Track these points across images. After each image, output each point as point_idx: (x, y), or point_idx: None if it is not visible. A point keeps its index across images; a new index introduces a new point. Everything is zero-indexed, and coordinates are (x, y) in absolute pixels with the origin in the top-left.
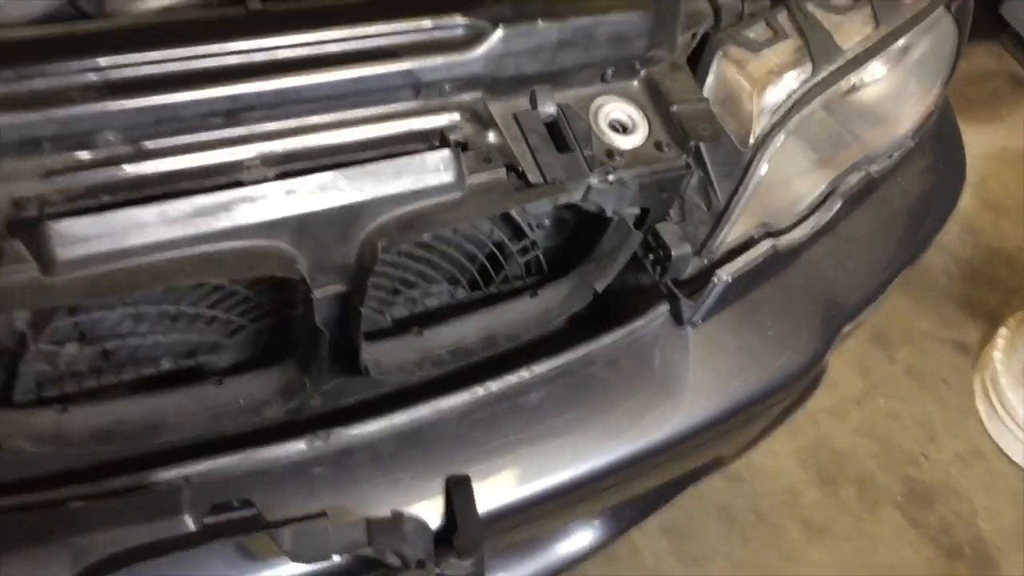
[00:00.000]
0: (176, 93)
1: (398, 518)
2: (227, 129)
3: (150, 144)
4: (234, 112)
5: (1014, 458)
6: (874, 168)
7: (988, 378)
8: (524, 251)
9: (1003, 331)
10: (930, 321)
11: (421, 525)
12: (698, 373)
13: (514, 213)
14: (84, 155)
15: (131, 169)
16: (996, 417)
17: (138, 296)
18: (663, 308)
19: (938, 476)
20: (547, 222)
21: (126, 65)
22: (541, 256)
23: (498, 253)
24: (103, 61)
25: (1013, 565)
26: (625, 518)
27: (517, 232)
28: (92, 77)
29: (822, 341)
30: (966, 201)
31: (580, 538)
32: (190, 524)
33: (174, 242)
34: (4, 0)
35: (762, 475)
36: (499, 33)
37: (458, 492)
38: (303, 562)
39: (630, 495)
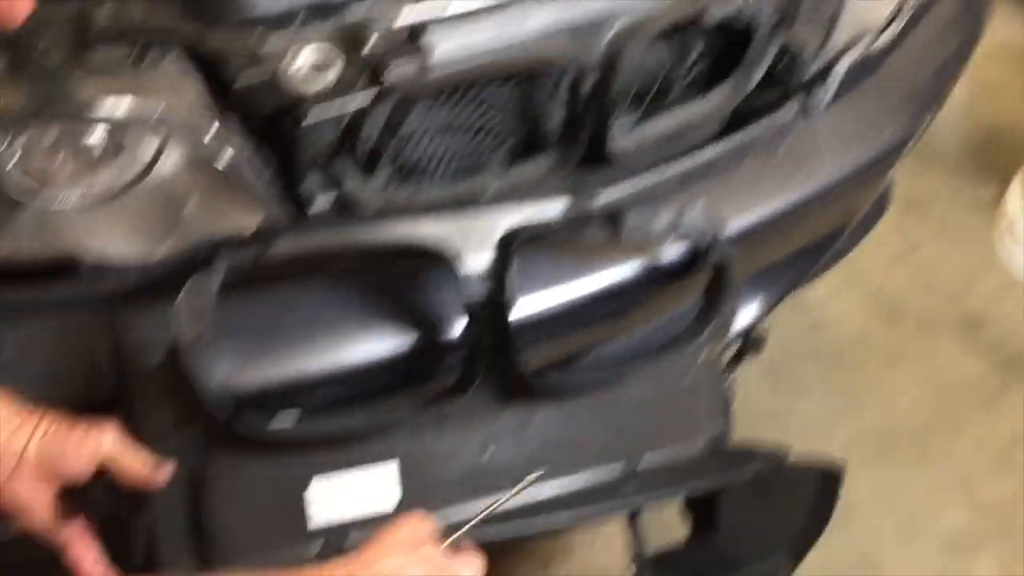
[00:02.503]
0: None
1: None
2: None
3: None
4: None
5: None
6: None
7: (1008, 222)
8: (691, 68)
9: (1015, 182)
10: (951, 186)
11: None
12: (831, 144)
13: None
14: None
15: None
16: (1020, 253)
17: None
18: (797, 100)
19: (982, 306)
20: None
21: None
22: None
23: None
24: None
25: None
26: (783, 286)
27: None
28: None
29: (914, 121)
30: (964, 85)
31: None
32: None
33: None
34: None
35: (836, 322)
36: None
37: None
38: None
39: (793, 244)
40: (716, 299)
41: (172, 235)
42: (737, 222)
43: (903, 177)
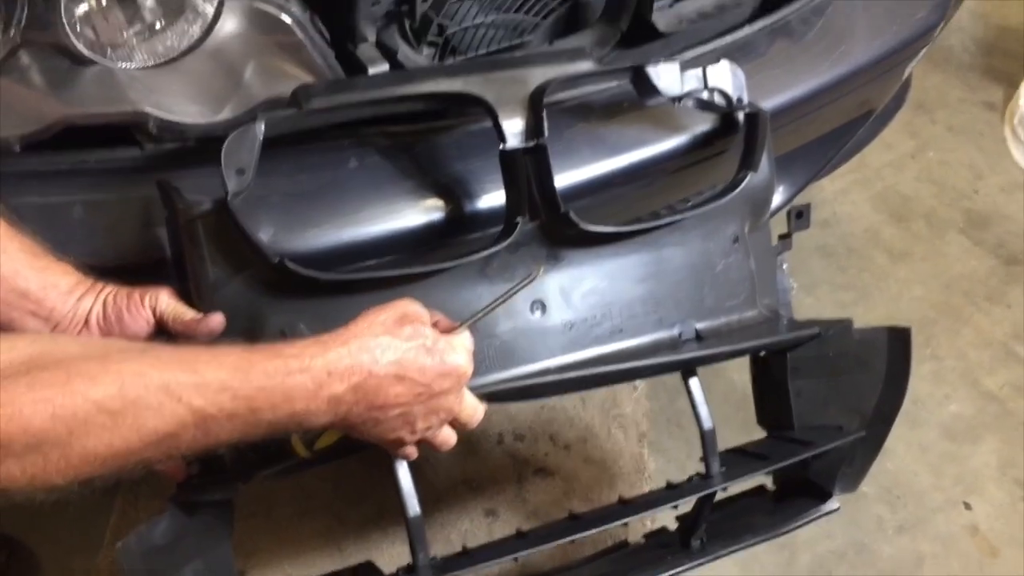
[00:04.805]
0: None
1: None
2: None
3: None
4: None
5: None
6: None
7: (1016, 124)
8: None
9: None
10: (960, 88)
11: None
12: (863, 27)
13: None
14: None
15: None
16: None
17: None
18: None
19: (989, 205)
20: None
21: None
22: None
23: None
24: None
25: None
26: (811, 168)
27: None
28: None
29: (943, 5)
30: None
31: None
32: None
33: None
34: None
35: (846, 220)
36: None
37: None
38: None
39: (822, 127)
40: (751, 150)
41: (233, 99)
42: (771, 101)
43: (912, 79)
